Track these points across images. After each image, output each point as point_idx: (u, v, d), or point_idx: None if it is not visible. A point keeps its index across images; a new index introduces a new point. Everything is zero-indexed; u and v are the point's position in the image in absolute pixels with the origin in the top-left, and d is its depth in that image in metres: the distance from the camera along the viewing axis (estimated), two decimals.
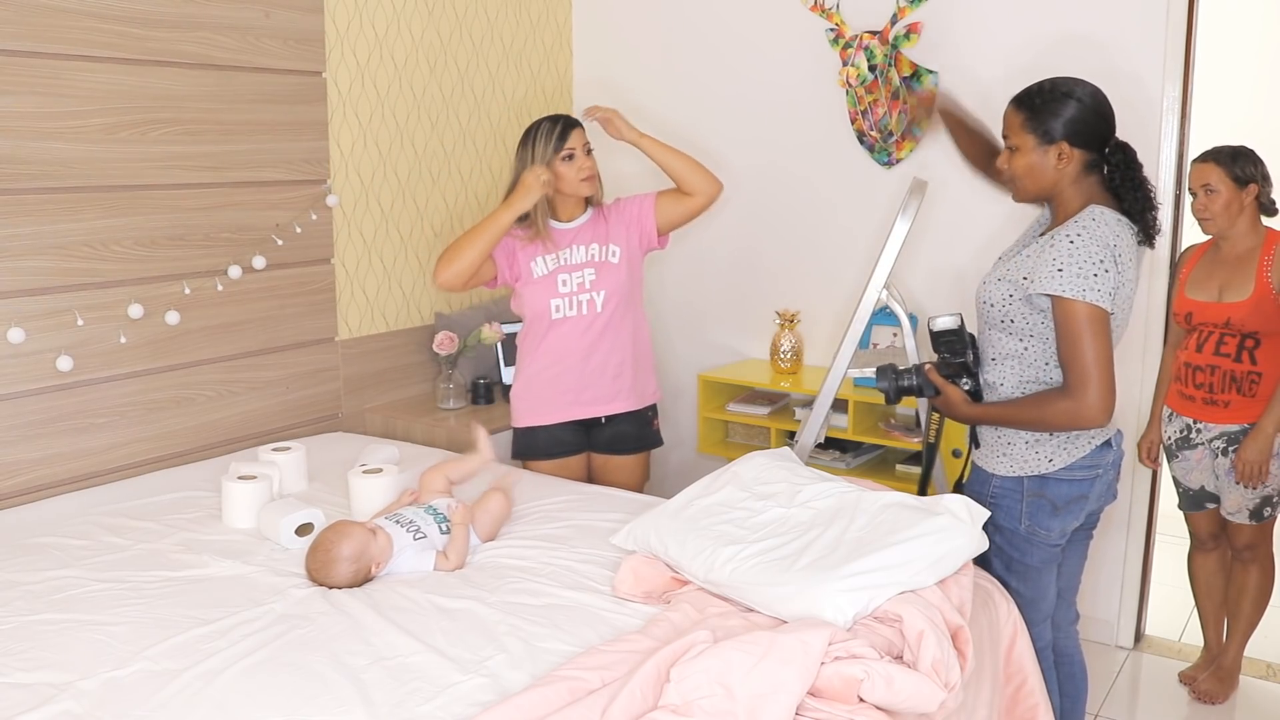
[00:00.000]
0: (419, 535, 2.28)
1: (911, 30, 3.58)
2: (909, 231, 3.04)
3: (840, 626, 1.80)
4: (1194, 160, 2.99)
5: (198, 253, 3.05)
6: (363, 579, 2.18)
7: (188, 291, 3.02)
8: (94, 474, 2.86)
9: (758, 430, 3.90)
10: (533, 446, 3.02)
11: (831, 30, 3.73)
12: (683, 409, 4.26)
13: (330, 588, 2.14)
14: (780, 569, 1.96)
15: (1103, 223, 2.09)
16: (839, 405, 3.39)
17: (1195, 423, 3.04)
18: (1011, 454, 2.23)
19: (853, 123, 3.75)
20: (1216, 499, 3.09)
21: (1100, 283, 2.03)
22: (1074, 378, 2.05)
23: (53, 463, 2.78)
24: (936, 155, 3.62)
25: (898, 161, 3.69)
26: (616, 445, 3.04)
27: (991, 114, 3.51)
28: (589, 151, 2.92)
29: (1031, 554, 2.26)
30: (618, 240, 2.96)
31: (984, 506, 2.16)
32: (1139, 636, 3.60)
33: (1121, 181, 2.16)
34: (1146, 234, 2.17)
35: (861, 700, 1.66)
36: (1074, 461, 2.19)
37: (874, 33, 3.64)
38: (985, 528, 2.12)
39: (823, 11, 3.75)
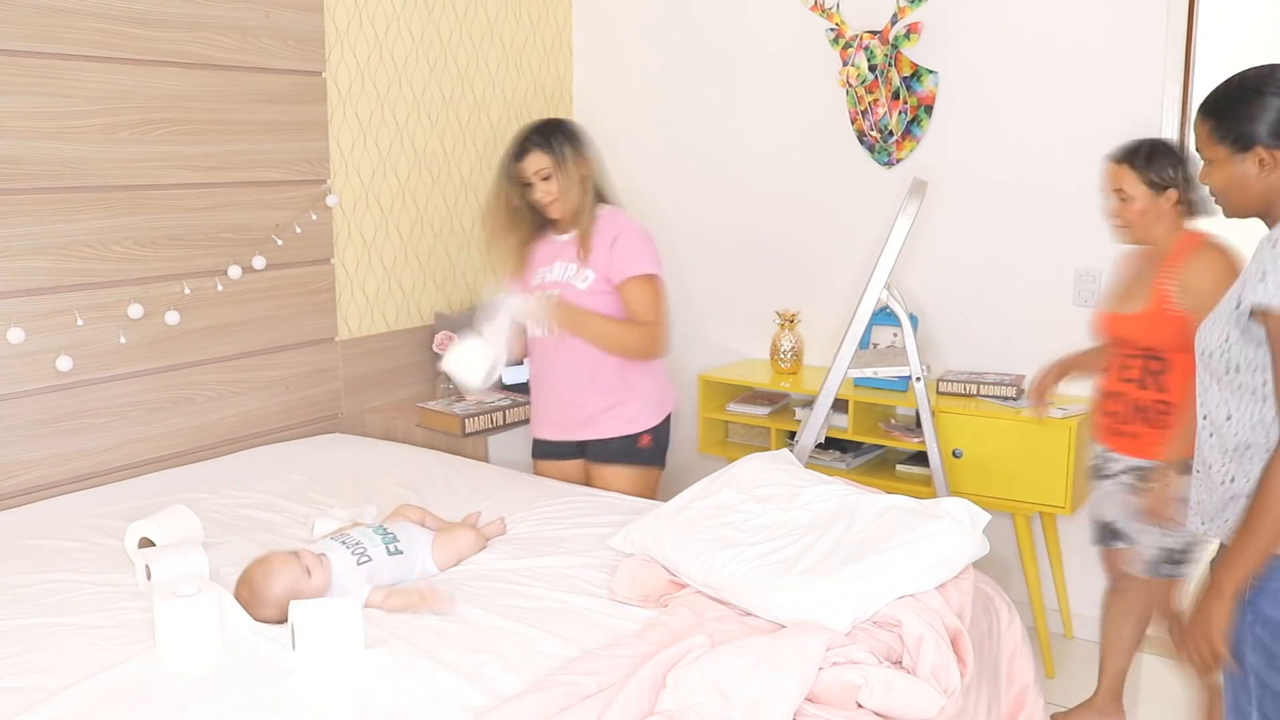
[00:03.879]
0: (363, 559, 2.13)
1: (912, 30, 3.57)
2: (909, 231, 3.05)
3: (838, 631, 1.79)
4: (1106, 157, 2.69)
5: (198, 253, 3.05)
6: None
7: (188, 291, 3.02)
8: (94, 474, 2.86)
9: (758, 430, 3.90)
10: (537, 447, 3.05)
11: (831, 30, 3.73)
12: (683, 409, 4.26)
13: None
14: (778, 572, 1.96)
15: None
16: (839, 405, 3.38)
17: (1107, 450, 2.74)
18: None
19: (853, 123, 3.75)
20: (1128, 538, 2.73)
21: None
22: None
23: (52, 463, 2.78)
24: (936, 155, 3.62)
25: (898, 161, 3.68)
26: (603, 456, 2.93)
27: (997, 110, 3.52)
28: (546, 178, 2.75)
29: None
30: (597, 267, 2.78)
31: (1250, 590, 1.71)
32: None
33: None
34: None
35: (860, 706, 1.66)
36: None
37: (874, 32, 3.64)
38: (1245, 618, 1.72)
39: (823, 11, 3.74)
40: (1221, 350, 1.77)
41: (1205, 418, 1.83)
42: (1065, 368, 2.94)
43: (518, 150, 2.77)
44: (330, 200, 3.37)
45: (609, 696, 1.61)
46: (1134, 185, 2.61)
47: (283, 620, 1.94)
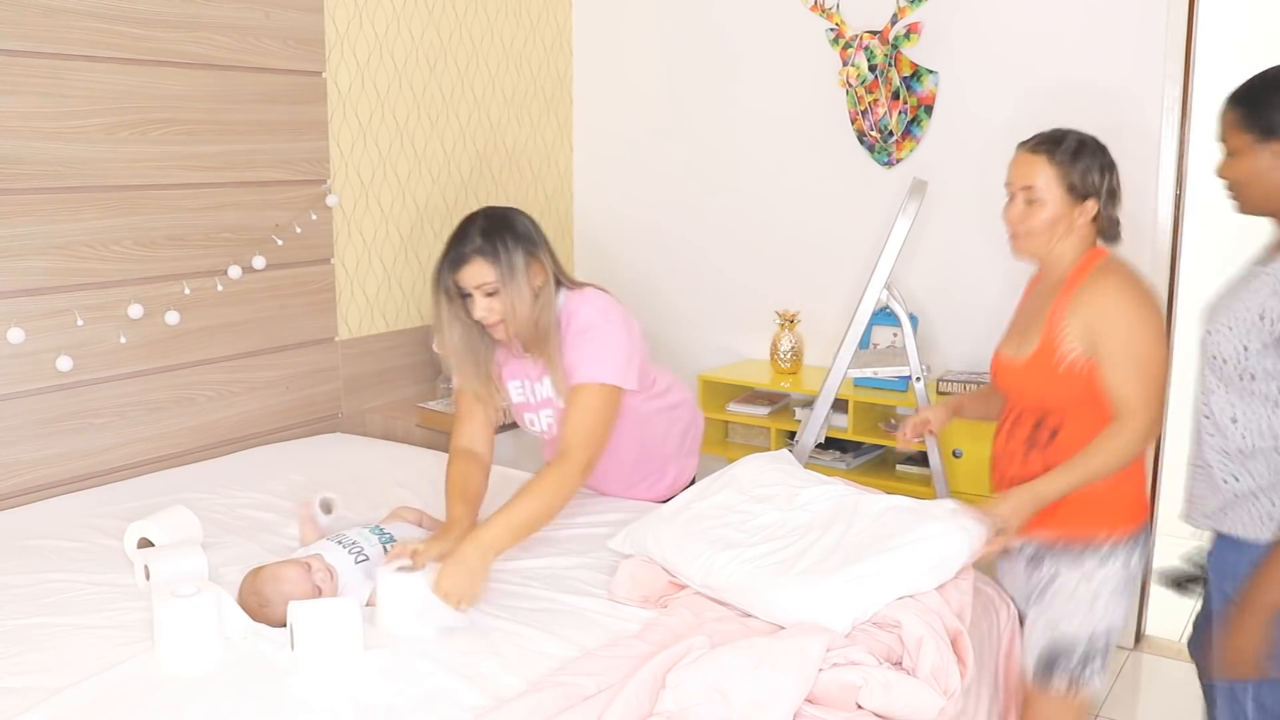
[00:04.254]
0: (361, 558, 2.13)
1: (911, 30, 3.57)
2: (909, 231, 3.05)
3: (838, 632, 1.79)
4: (1020, 145, 2.13)
5: (198, 253, 3.05)
6: None
7: (188, 291, 3.02)
8: (94, 474, 2.86)
9: (758, 430, 3.90)
10: None
11: (831, 30, 3.72)
12: None
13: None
14: (778, 573, 1.96)
15: None
16: (839, 405, 3.38)
17: None
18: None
19: (853, 123, 3.75)
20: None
21: None
22: None
23: (53, 463, 2.78)
24: (936, 155, 3.62)
25: (898, 161, 3.68)
26: None
27: (997, 110, 3.52)
28: (491, 293, 2.17)
29: None
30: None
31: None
32: (1139, 636, 3.60)
33: None
34: None
35: (860, 707, 1.66)
36: None
37: (874, 32, 3.64)
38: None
39: (823, 11, 3.74)
40: (1237, 359, 1.79)
41: (1207, 418, 1.85)
42: (952, 409, 2.47)
43: (453, 258, 2.18)
44: (330, 200, 3.37)
45: (609, 697, 1.61)
46: (1050, 186, 2.05)
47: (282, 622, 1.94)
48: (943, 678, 1.72)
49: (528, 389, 2.40)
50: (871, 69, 3.65)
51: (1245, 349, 1.76)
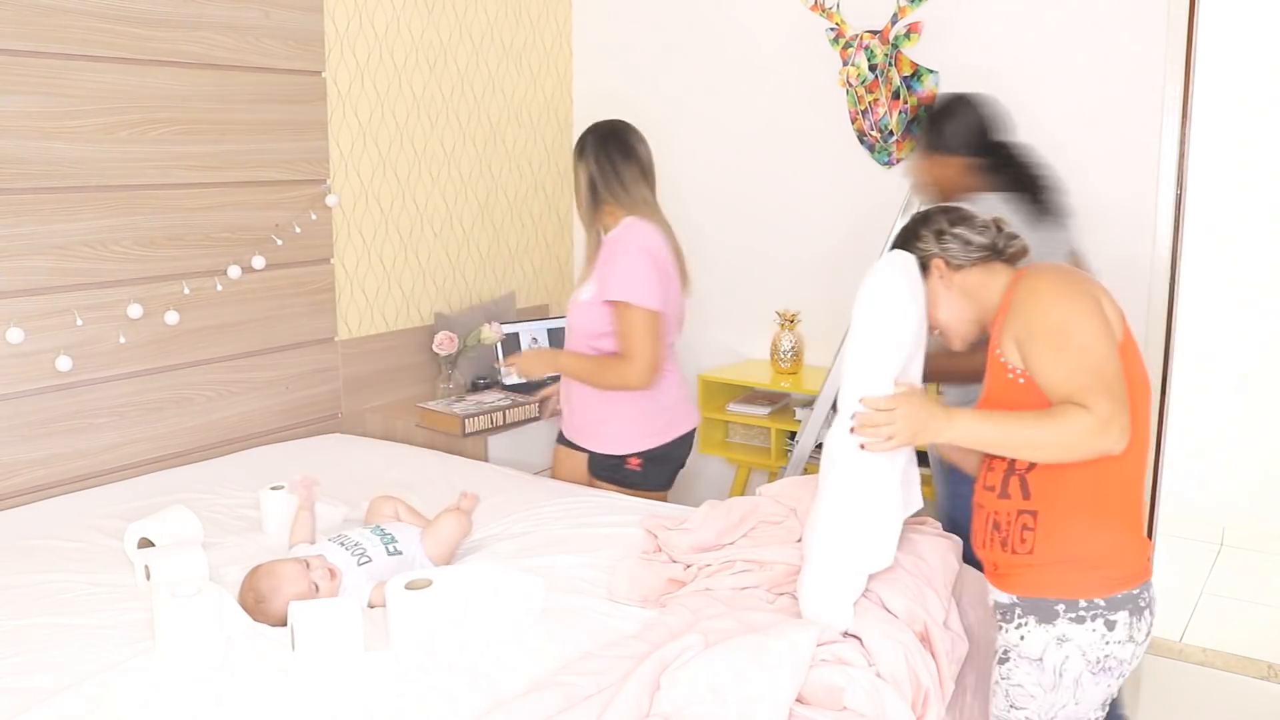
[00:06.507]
0: (363, 560, 2.14)
1: (912, 30, 3.57)
2: None
3: (829, 626, 1.79)
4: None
5: (197, 253, 3.05)
6: None
7: (187, 291, 3.02)
8: (93, 474, 2.86)
9: (758, 430, 3.90)
10: (560, 433, 3.01)
11: (832, 30, 3.73)
12: None
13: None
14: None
15: None
16: None
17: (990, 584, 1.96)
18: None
19: (853, 123, 3.75)
20: None
21: None
22: None
23: (52, 463, 2.78)
24: None
25: (898, 161, 3.68)
26: (597, 470, 2.85)
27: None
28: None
29: None
30: (598, 280, 2.73)
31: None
32: None
33: None
34: None
35: (846, 708, 1.66)
36: None
37: (874, 32, 3.64)
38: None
39: (823, 11, 3.74)
40: None
41: None
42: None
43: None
44: (330, 200, 3.37)
45: (608, 697, 1.61)
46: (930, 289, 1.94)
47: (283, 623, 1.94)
48: (913, 679, 1.71)
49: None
50: (872, 69, 3.65)
51: None
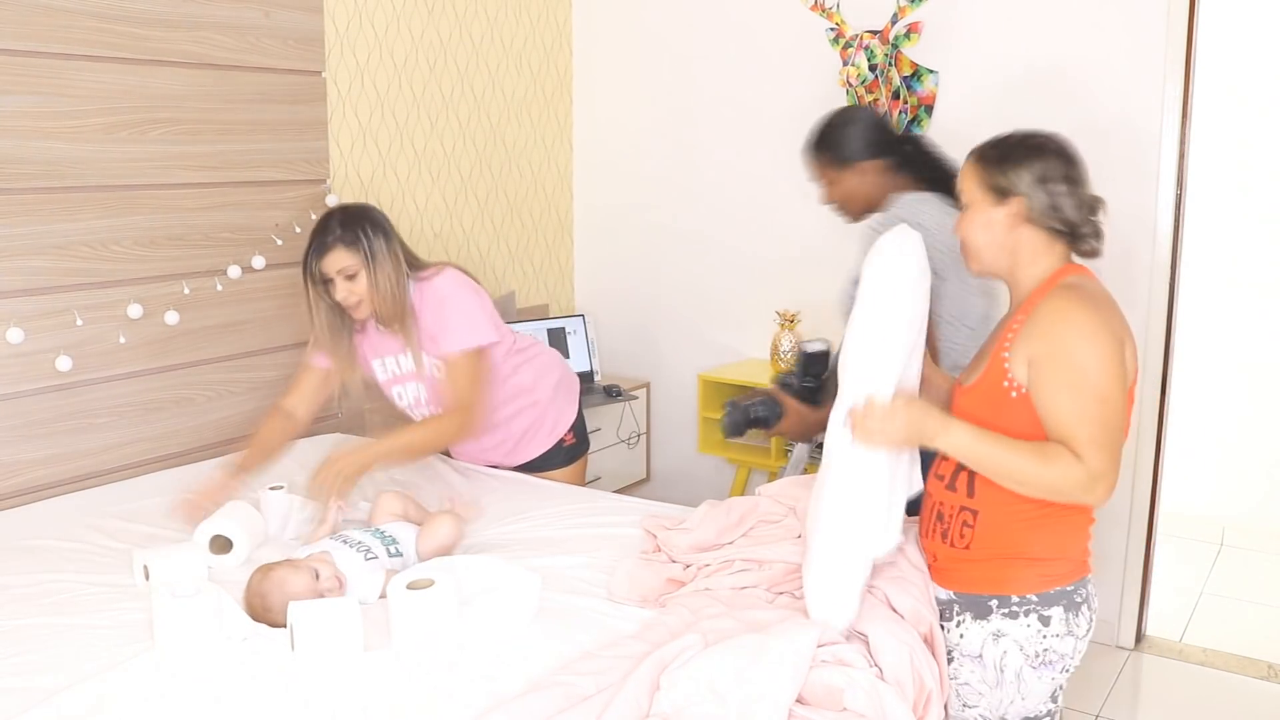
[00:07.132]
0: (369, 556, 2.15)
1: (912, 30, 3.57)
2: None
3: (830, 626, 1.79)
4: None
5: (197, 253, 3.05)
6: None
7: (187, 291, 3.02)
8: (93, 474, 2.86)
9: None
10: None
11: (832, 30, 3.73)
12: (683, 409, 4.26)
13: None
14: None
15: None
16: None
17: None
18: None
19: None
20: None
21: None
22: None
23: (52, 463, 2.78)
24: None
25: None
26: (541, 468, 2.89)
27: (997, 110, 3.51)
28: (351, 276, 2.49)
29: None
30: (430, 349, 2.60)
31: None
32: (1140, 637, 3.60)
33: None
34: None
35: (846, 709, 1.66)
36: None
37: (874, 32, 3.64)
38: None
39: (823, 11, 3.74)
40: None
41: None
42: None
43: (317, 247, 2.50)
44: (330, 200, 3.37)
45: (608, 697, 1.61)
46: (973, 189, 1.82)
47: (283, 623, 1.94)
48: (917, 680, 1.71)
49: (391, 365, 2.69)
50: (872, 69, 3.65)
51: None
